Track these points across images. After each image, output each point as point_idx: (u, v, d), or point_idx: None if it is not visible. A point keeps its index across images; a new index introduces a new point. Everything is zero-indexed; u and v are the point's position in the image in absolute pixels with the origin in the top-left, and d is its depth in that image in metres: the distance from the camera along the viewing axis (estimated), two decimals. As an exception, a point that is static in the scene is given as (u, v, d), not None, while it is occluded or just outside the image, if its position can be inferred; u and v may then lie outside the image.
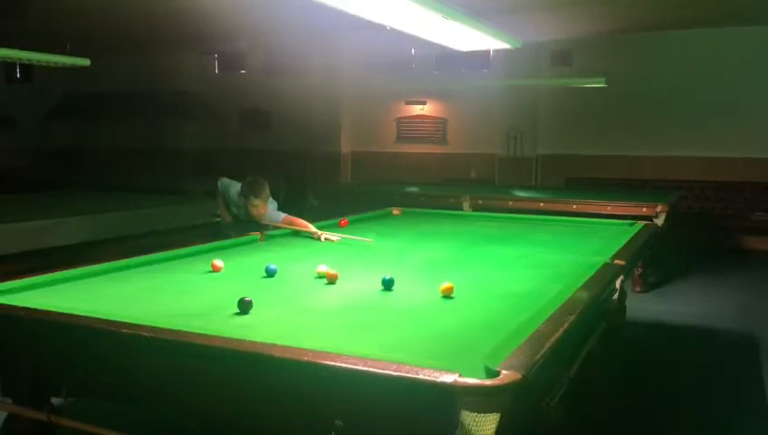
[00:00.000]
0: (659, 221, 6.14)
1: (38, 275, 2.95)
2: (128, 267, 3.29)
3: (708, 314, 5.94)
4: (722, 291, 6.88)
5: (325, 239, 4.33)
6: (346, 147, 12.00)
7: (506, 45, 5.27)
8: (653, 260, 6.48)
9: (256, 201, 4.73)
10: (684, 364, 4.73)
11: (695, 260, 8.13)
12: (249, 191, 4.75)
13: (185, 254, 3.65)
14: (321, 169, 11.72)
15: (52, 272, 3.01)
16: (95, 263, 3.26)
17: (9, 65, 14.01)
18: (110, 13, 8.29)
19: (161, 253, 3.59)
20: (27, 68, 14.03)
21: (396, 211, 5.83)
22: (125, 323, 2.23)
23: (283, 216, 4.85)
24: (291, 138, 12.02)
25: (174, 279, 3.16)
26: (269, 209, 4.85)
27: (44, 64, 7.51)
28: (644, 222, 5.11)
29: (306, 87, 11.65)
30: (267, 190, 4.79)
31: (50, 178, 10.74)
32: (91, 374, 2.42)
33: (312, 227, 4.49)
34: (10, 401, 2.58)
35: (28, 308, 2.45)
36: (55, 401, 2.55)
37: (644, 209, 6.45)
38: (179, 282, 3.10)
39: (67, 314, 2.35)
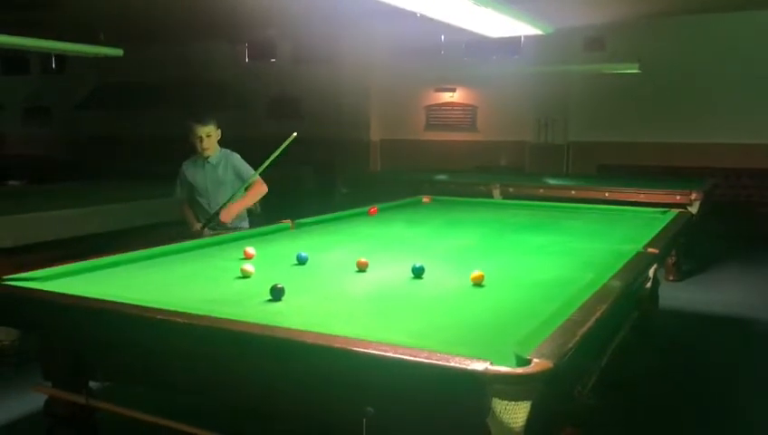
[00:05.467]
0: (693, 209, 6.05)
1: (75, 262, 3.01)
2: (162, 254, 3.34)
3: (743, 303, 5.83)
4: (757, 280, 6.75)
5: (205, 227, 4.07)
6: (375, 134, 12.00)
7: (538, 31, 5.21)
8: (687, 248, 6.39)
9: (198, 128, 4.21)
10: (717, 354, 4.66)
11: (729, 248, 7.98)
12: (192, 121, 4.27)
13: (217, 241, 3.70)
14: (350, 156, 11.74)
15: (88, 259, 3.07)
16: (130, 250, 3.32)
17: (44, 56, 14.30)
18: (142, 2, 8.37)
19: (194, 241, 3.65)
20: (61, 59, 14.30)
21: (426, 199, 5.82)
22: (160, 309, 2.27)
23: (255, 178, 4.31)
24: (320, 126, 12.04)
25: (207, 266, 3.20)
26: (239, 159, 4.40)
27: (79, 55, 7.62)
28: (678, 210, 5.03)
29: (335, 75, 11.66)
30: (214, 121, 4.31)
31: (84, 167, 10.93)
32: (126, 359, 2.48)
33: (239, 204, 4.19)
34: (50, 384, 2.65)
35: (66, 294, 2.50)
36: (93, 384, 2.61)
37: (678, 197, 6.35)
38: (212, 269, 3.14)
39: (103, 301, 2.39)
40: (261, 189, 4.38)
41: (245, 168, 4.39)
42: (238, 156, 4.49)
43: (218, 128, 4.34)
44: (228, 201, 4.25)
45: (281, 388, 2.10)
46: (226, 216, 4.23)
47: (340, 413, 1.99)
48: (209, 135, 4.27)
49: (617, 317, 2.66)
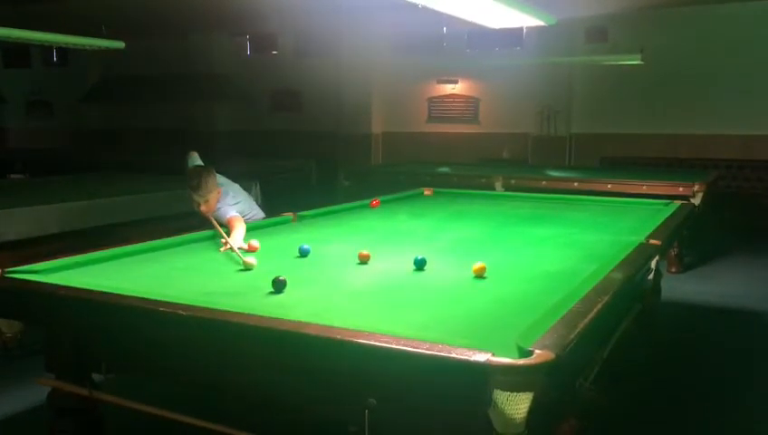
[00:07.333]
0: (696, 201, 6.04)
1: (77, 254, 3.01)
2: (165, 247, 3.35)
3: (745, 295, 5.83)
4: (760, 272, 6.74)
5: (228, 250, 3.33)
6: (377, 127, 11.98)
7: (540, 22, 5.18)
8: (689, 240, 6.37)
9: (194, 196, 3.87)
10: (719, 346, 4.66)
11: (732, 240, 7.97)
12: (187, 183, 3.93)
13: (221, 234, 3.69)
14: (352, 149, 11.73)
15: (90, 252, 3.07)
16: (132, 243, 3.32)
17: (45, 49, 14.29)
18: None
19: (196, 233, 3.65)
20: (63, 52, 14.29)
21: (427, 191, 5.82)
22: (162, 301, 2.27)
23: (231, 214, 3.92)
24: (322, 119, 12.05)
25: (209, 258, 3.21)
26: (223, 204, 4.00)
27: (80, 48, 7.61)
28: (680, 202, 5.02)
29: (337, 68, 11.64)
30: (209, 183, 3.89)
31: (86, 160, 10.92)
32: (129, 351, 2.48)
33: (232, 240, 3.42)
34: (53, 376, 2.66)
35: (68, 287, 2.50)
36: (96, 377, 2.62)
37: (680, 189, 6.34)
38: (215, 261, 3.14)
39: (106, 293, 2.39)
40: (237, 225, 3.80)
41: (222, 211, 3.98)
42: (230, 195, 4.18)
43: (218, 187, 3.99)
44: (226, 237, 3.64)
45: (283, 380, 2.10)
46: (234, 244, 3.50)
47: (343, 405, 1.99)
48: (207, 201, 3.92)
49: (619, 309, 2.66)
